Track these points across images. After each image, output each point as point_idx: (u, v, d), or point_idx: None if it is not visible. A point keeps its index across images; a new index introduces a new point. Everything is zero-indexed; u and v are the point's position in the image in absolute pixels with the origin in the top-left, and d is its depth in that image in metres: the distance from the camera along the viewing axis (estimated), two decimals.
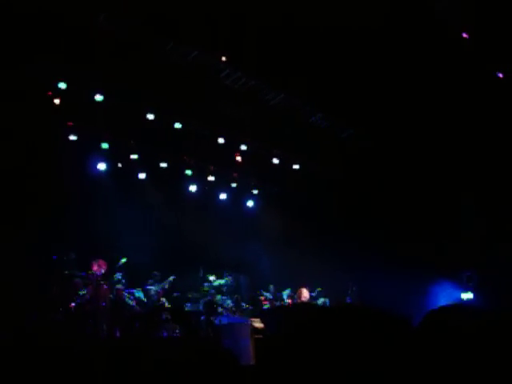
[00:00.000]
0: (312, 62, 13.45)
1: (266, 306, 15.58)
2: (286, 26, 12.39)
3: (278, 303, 15.67)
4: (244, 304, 15.73)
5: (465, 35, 13.37)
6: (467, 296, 16.52)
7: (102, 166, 14.99)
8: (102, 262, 12.96)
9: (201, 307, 14.76)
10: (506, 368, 1.82)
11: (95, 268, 12.79)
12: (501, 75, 14.40)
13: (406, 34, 12.81)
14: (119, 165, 15.44)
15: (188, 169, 16.80)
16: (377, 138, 16.69)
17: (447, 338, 1.86)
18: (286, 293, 16.10)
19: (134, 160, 15.64)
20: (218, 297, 15.49)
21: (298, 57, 13.23)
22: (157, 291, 14.42)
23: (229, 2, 11.75)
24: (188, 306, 14.92)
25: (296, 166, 18.02)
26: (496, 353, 1.83)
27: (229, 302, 15.40)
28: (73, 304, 12.02)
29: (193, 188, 16.97)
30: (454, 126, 15.16)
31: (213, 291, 15.41)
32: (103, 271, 12.88)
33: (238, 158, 17.03)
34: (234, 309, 15.14)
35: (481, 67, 13.83)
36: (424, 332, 1.88)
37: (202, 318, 14.31)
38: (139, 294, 14.10)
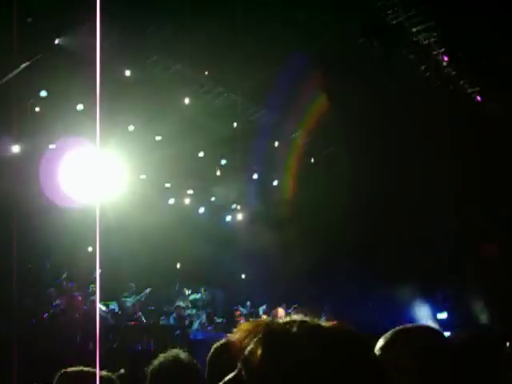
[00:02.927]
0: (293, 79, 13.56)
1: (241, 322, 15.54)
2: (269, 42, 12.49)
3: (249, 319, 15.62)
4: (217, 319, 15.68)
5: (445, 58, 13.57)
6: (442, 316, 16.61)
7: None
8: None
9: (172, 321, 14.68)
10: None
11: None
12: (479, 98, 14.64)
13: (386, 56, 12.96)
14: None
15: (167, 181, 16.75)
16: (356, 156, 16.81)
17: (403, 359, 1.87)
18: (261, 309, 16.07)
19: None
20: (189, 311, 15.42)
21: (280, 74, 13.33)
22: (133, 304, 14.32)
23: (212, 18, 11.83)
24: (163, 320, 14.83)
25: (275, 183, 18.07)
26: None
27: (203, 316, 15.34)
28: (46, 314, 11.88)
29: (171, 201, 16.94)
30: (431, 147, 15.35)
31: (183, 305, 15.35)
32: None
33: (218, 173, 17.04)
34: (206, 324, 15.07)
35: (460, 89, 14.06)
36: (384, 351, 1.89)
37: (177, 332, 14.22)
38: (114, 306, 13.99)
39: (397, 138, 15.29)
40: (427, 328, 2.11)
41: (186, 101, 14.43)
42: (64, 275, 13.31)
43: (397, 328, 2.02)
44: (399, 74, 13.59)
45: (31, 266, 12.77)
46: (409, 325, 2.09)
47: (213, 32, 12.10)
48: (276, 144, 17.01)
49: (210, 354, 3.05)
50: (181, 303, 15.54)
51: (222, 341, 3.08)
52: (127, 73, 13.33)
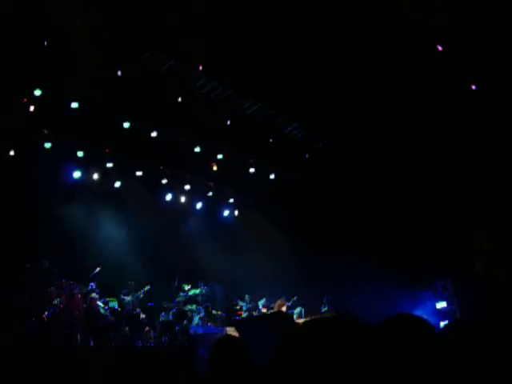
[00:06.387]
0: (288, 73, 13.52)
1: (241, 316, 15.57)
2: (263, 37, 12.45)
3: (252, 313, 15.64)
4: (217, 313, 15.70)
5: (439, 48, 13.54)
6: (441, 305, 16.62)
7: (76, 174, 14.89)
8: None
9: (171, 317, 14.71)
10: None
11: None
12: (474, 87, 14.61)
13: (381, 47, 12.95)
14: (95, 176, 15.32)
15: (164, 178, 16.75)
16: (351, 149, 16.81)
17: (394, 347, 1.89)
18: (261, 302, 16.09)
19: (110, 168, 15.54)
20: (189, 306, 15.44)
21: (275, 67, 13.29)
22: (132, 301, 14.34)
23: (206, 13, 11.78)
24: (162, 316, 14.85)
25: (272, 176, 18.05)
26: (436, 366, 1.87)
27: (203, 311, 15.35)
28: (46, 313, 11.88)
29: (168, 197, 16.94)
30: (428, 136, 15.34)
31: (182, 300, 15.38)
32: None
33: (214, 168, 17.02)
34: (206, 318, 15.08)
35: (455, 79, 14.03)
36: (378, 338, 1.91)
37: (178, 328, 14.26)
38: (113, 303, 14.00)
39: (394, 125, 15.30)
40: (417, 318, 2.14)
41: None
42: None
43: (391, 316, 2.05)
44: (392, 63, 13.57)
45: (30, 264, 12.76)
46: (402, 314, 2.12)
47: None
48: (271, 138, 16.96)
49: (211, 347, 3.07)
50: (181, 298, 15.55)
51: (224, 335, 3.11)
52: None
